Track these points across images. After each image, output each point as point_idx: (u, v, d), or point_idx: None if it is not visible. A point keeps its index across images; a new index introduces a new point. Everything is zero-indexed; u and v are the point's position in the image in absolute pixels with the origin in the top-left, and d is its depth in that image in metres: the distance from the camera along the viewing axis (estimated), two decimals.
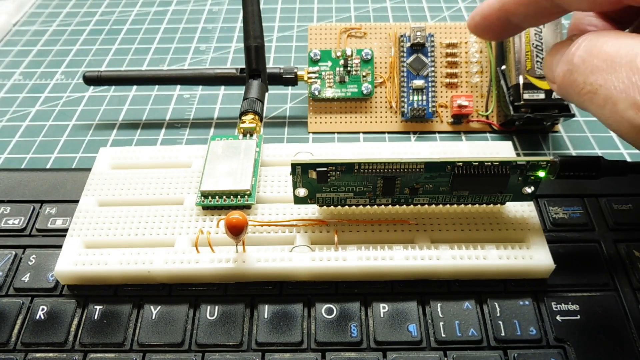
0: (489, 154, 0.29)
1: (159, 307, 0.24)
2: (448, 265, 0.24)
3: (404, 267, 0.24)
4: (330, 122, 0.36)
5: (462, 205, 0.26)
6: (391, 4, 0.49)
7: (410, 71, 0.35)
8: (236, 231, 0.22)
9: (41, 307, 0.24)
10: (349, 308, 0.24)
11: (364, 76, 0.35)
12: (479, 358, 0.22)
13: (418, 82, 0.35)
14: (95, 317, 0.24)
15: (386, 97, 0.36)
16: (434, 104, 0.35)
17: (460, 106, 0.34)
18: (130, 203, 0.27)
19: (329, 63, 0.36)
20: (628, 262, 0.25)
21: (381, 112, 0.36)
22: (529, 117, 0.32)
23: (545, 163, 0.23)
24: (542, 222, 0.27)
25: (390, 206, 0.26)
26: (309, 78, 0.35)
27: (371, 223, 0.26)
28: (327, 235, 0.25)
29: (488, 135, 0.35)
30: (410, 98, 0.35)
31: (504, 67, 0.34)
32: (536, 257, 0.24)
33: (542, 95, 0.32)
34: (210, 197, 0.27)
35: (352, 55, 0.36)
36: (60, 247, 0.25)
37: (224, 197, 0.26)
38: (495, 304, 0.24)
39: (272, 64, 0.42)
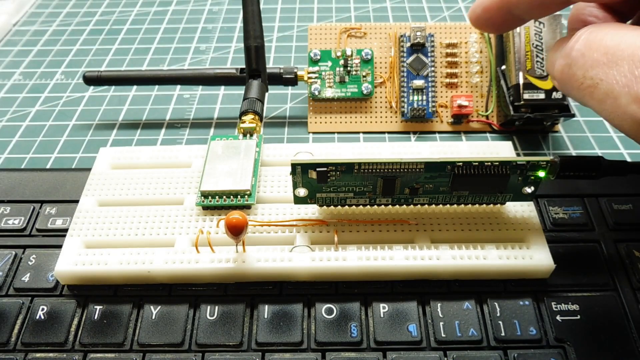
0: (489, 154, 0.29)
1: (159, 307, 0.24)
2: (448, 265, 0.24)
3: (404, 267, 0.24)
4: (330, 122, 0.36)
5: (462, 205, 0.26)
6: (391, 4, 0.49)
7: (410, 71, 0.35)
8: (236, 231, 0.22)
9: (41, 307, 0.24)
10: (349, 308, 0.24)
11: (364, 76, 0.35)
12: (479, 358, 0.22)
13: (418, 82, 0.35)
14: (95, 317, 0.24)
15: (386, 97, 0.36)
16: (434, 104, 0.35)
17: (460, 106, 0.34)
18: (130, 203, 0.27)
19: (329, 63, 0.36)
20: (628, 262, 0.25)
21: (381, 112, 0.36)
22: (529, 117, 0.32)
23: (545, 163, 0.23)
24: (542, 222, 0.27)
25: (390, 206, 0.26)
26: (309, 78, 0.35)
27: (371, 223, 0.26)
28: (327, 235, 0.25)
29: (488, 135, 0.35)
30: (410, 98, 0.35)
31: (504, 67, 0.34)
32: (536, 257, 0.24)
33: (542, 95, 0.32)
34: (210, 197, 0.27)
35: (352, 55, 0.36)
36: (60, 247, 0.25)
37: (224, 197, 0.26)
38: (495, 304, 0.24)
39: (272, 64, 0.42)
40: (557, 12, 0.29)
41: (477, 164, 0.23)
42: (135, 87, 0.40)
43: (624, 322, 0.23)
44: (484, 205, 0.26)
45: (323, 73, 0.36)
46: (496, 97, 0.35)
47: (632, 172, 0.25)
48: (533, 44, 0.32)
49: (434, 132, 0.36)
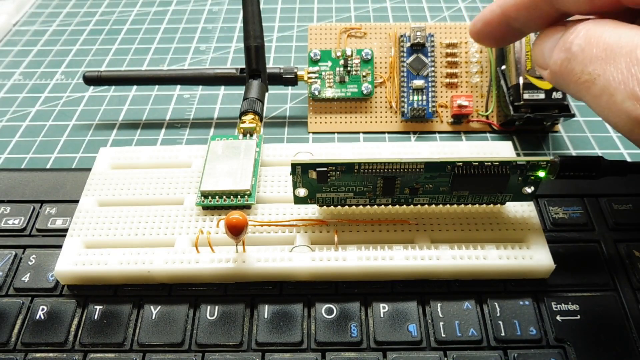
0: (489, 154, 0.29)
1: (159, 307, 0.24)
2: (448, 265, 0.24)
3: (404, 267, 0.24)
4: (330, 122, 0.36)
5: (462, 205, 0.26)
6: (391, 4, 0.49)
7: (410, 71, 0.35)
8: (236, 231, 0.22)
9: (41, 307, 0.24)
10: (349, 308, 0.24)
11: (364, 76, 0.35)
12: (479, 358, 0.22)
13: (418, 82, 0.35)
14: (95, 317, 0.24)
15: (386, 97, 0.36)
16: (434, 104, 0.35)
17: (460, 106, 0.34)
18: (130, 203, 0.27)
19: (329, 63, 0.36)
20: (628, 262, 0.25)
21: (381, 112, 0.36)
22: (529, 117, 0.32)
23: (545, 163, 0.23)
24: (542, 222, 0.27)
25: (390, 206, 0.26)
26: (309, 78, 0.35)
27: (371, 223, 0.26)
28: (327, 235, 0.25)
29: (488, 135, 0.35)
30: (410, 98, 0.35)
31: (504, 67, 0.34)
32: (536, 257, 0.24)
33: (542, 95, 0.32)
34: (210, 197, 0.27)
35: (352, 55, 0.36)
36: (60, 247, 0.25)
37: (224, 197, 0.26)
38: (495, 304, 0.24)
39: (272, 64, 0.42)
40: None
41: (477, 164, 0.23)
42: (135, 87, 0.40)
43: (624, 322, 0.23)
44: (484, 205, 0.26)
45: (323, 73, 0.36)
46: (496, 97, 0.35)
47: (632, 172, 0.25)
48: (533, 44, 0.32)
49: (434, 132, 0.36)
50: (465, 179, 0.24)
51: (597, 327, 0.23)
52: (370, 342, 0.23)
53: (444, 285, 0.25)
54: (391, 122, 0.36)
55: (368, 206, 0.26)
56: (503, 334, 0.23)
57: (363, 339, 0.23)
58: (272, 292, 0.25)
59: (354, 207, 0.26)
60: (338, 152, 0.29)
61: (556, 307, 0.24)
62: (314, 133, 0.36)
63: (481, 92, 0.35)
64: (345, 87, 0.35)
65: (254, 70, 0.33)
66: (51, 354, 0.23)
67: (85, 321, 0.24)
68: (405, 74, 0.35)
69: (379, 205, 0.26)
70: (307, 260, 0.24)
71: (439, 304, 0.24)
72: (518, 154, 0.33)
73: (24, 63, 0.44)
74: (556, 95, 0.31)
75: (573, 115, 0.32)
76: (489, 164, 0.23)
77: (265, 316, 0.24)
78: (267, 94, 0.35)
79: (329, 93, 0.35)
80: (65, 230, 0.26)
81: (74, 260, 0.24)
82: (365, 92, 0.35)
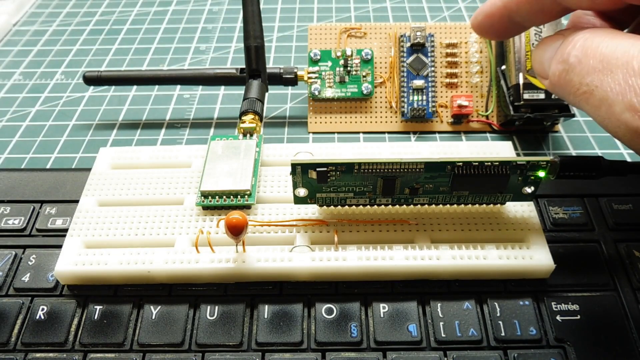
0: (489, 154, 0.29)
1: (159, 307, 0.24)
2: (448, 265, 0.24)
3: (404, 267, 0.24)
4: (330, 122, 0.36)
5: (462, 205, 0.26)
6: (391, 4, 0.49)
7: (410, 71, 0.35)
8: (236, 231, 0.22)
9: (41, 307, 0.24)
10: (349, 308, 0.24)
11: (364, 76, 0.35)
12: (479, 358, 0.22)
13: (418, 82, 0.35)
14: (95, 317, 0.24)
15: (386, 97, 0.36)
16: (434, 104, 0.35)
17: (460, 106, 0.34)
18: (130, 203, 0.27)
19: (329, 63, 0.36)
20: (628, 262, 0.25)
21: (381, 112, 0.36)
22: (529, 117, 0.32)
23: (545, 163, 0.23)
24: (542, 222, 0.27)
25: (390, 206, 0.26)
26: (309, 78, 0.35)
27: (371, 223, 0.26)
28: (327, 235, 0.25)
29: (488, 135, 0.35)
30: (410, 98, 0.35)
31: (504, 67, 0.34)
32: (536, 257, 0.24)
33: (542, 95, 0.32)
34: (210, 197, 0.27)
35: (352, 55, 0.36)
36: (60, 247, 0.25)
37: (224, 197, 0.26)
38: (495, 304, 0.24)
39: (272, 64, 0.42)
40: None
41: (477, 164, 0.23)
42: (135, 87, 0.40)
43: (624, 322, 0.23)
44: (484, 205, 0.26)
45: (323, 73, 0.36)
46: (496, 97, 0.35)
47: (632, 172, 0.25)
48: (533, 44, 0.32)
49: (434, 132, 0.36)
50: (465, 179, 0.24)
51: (597, 327, 0.23)
52: (370, 342, 0.23)
53: (444, 285, 0.25)
54: (391, 122, 0.36)
55: (368, 206, 0.26)
56: (503, 334, 0.23)
57: (363, 339, 0.23)
58: (272, 292, 0.25)
59: (354, 207, 0.26)
60: (338, 152, 0.29)
61: (556, 307, 0.24)
62: (314, 133, 0.36)
63: (481, 92, 0.35)
64: (345, 87, 0.35)
65: (254, 70, 0.33)
66: (51, 354, 0.23)
67: (85, 321, 0.24)
68: (405, 74, 0.35)
69: (379, 205, 0.26)
70: (307, 260, 0.24)
71: (439, 304, 0.24)
72: (518, 154, 0.33)
73: (24, 63, 0.44)
74: (556, 95, 0.31)
75: (573, 115, 0.32)
76: (489, 164, 0.23)
77: (265, 316, 0.24)
78: (267, 94, 0.35)
79: (329, 93, 0.35)
80: (65, 230, 0.26)
81: (74, 260, 0.24)
82: (365, 92, 0.35)
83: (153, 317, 0.24)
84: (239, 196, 0.26)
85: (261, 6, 0.34)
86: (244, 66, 0.34)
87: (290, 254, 0.24)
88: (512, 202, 0.26)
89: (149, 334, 0.23)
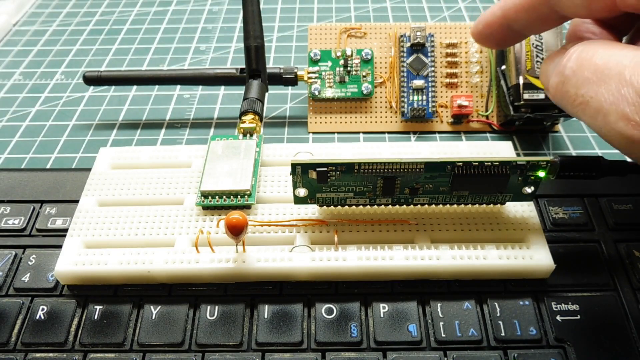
0: (489, 154, 0.29)
1: (159, 307, 0.24)
2: (448, 265, 0.24)
3: (404, 267, 0.24)
4: (330, 122, 0.36)
5: (462, 205, 0.26)
6: (391, 4, 0.49)
7: (410, 71, 0.35)
8: (236, 231, 0.22)
9: (41, 307, 0.24)
10: (349, 308, 0.24)
11: (364, 76, 0.35)
12: (479, 358, 0.22)
13: (418, 82, 0.35)
14: (95, 317, 0.24)
15: (386, 97, 0.36)
16: (434, 104, 0.35)
17: (460, 106, 0.34)
18: (130, 203, 0.27)
19: (329, 63, 0.36)
20: (628, 262, 0.25)
21: (381, 112, 0.36)
22: (529, 117, 0.32)
23: (545, 163, 0.23)
24: (542, 222, 0.27)
25: (390, 206, 0.26)
26: (309, 78, 0.35)
27: (371, 223, 0.26)
28: (327, 235, 0.25)
29: (488, 135, 0.35)
30: (410, 98, 0.35)
31: (504, 67, 0.34)
32: (536, 257, 0.24)
33: (542, 95, 0.31)
34: (210, 197, 0.27)
35: (352, 55, 0.36)
36: (60, 247, 0.25)
37: (224, 197, 0.26)
38: (495, 304, 0.24)
39: (272, 64, 0.42)
40: None
41: (477, 164, 0.23)
42: (135, 87, 0.40)
43: (624, 322, 0.23)
44: (484, 205, 0.26)
45: (323, 73, 0.36)
46: (496, 97, 0.35)
47: (632, 172, 0.25)
48: (533, 44, 0.32)
49: (434, 132, 0.36)
50: (465, 179, 0.24)
51: (597, 327, 0.23)
52: (370, 342, 0.23)
53: (444, 285, 0.25)
54: (391, 122, 0.36)
55: (368, 206, 0.26)
56: (503, 334, 0.23)
57: (363, 339, 0.23)
58: (272, 292, 0.25)
59: (354, 207, 0.26)
60: (338, 152, 0.29)
61: (556, 307, 0.24)
62: (314, 133, 0.36)
63: (481, 92, 0.35)
64: (345, 87, 0.35)
65: (254, 70, 0.33)
66: (51, 354, 0.23)
67: (85, 321, 0.24)
68: (405, 74, 0.35)
69: (379, 205, 0.26)
70: (307, 260, 0.24)
71: (439, 304, 0.24)
72: (518, 154, 0.33)
73: (24, 63, 0.44)
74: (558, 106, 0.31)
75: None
76: (489, 164, 0.23)
77: (265, 316, 0.24)
78: (267, 94, 0.35)
79: (329, 93, 0.35)
80: (65, 230, 0.26)
81: (74, 260, 0.24)
82: (365, 92, 0.35)
83: (153, 317, 0.24)
84: (239, 196, 0.26)
85: (261, 6, 0.34)
86: (244, 66, 0.34)
87: (290, 254, 0.24)
88: (512, 202, 0.26)
89: (149, 334, 0.23)
